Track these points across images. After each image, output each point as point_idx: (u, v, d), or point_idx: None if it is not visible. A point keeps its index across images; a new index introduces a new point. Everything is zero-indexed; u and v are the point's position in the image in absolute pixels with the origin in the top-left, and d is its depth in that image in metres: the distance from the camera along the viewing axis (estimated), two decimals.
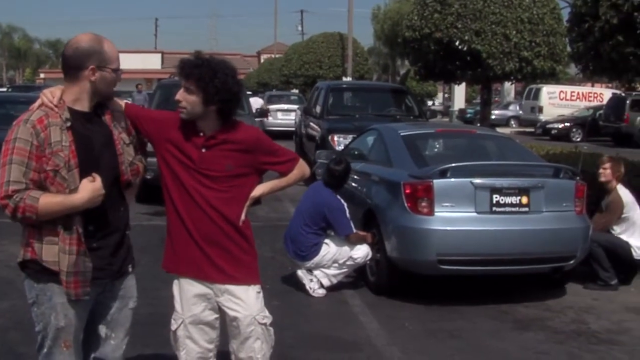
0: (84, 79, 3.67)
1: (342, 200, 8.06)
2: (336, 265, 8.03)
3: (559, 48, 16.76)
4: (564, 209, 7.82)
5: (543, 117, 40.17)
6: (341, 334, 6.88)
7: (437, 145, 9.32)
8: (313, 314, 7.55)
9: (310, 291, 8.03)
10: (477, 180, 7.51)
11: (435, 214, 7.43)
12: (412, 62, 18.77)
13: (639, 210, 8.89)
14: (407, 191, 7.53)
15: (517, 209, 7.59)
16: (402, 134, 8.84)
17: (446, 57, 16.58)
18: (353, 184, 9.04)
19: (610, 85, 52.12)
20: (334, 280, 8.10)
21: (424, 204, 7.44)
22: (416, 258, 7.57)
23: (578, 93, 43.33)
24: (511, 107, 48.09)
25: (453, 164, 7.58)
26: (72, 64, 3.67)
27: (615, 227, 8.77)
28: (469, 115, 49.17)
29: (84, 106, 3.72)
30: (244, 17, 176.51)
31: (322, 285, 8.06)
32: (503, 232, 7.54)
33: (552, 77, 18.12)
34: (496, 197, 7.52)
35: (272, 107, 30.79)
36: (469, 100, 62.59)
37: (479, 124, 20.38)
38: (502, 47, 15.78)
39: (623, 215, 8.75)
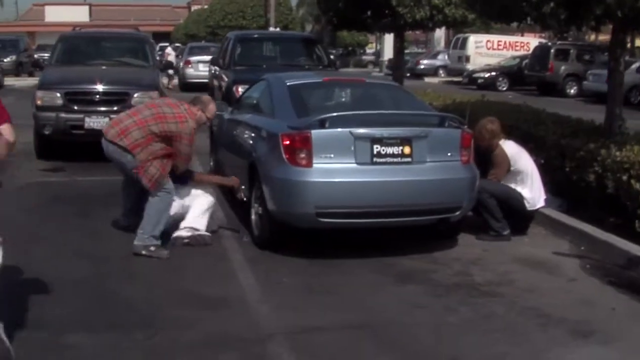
0: None
1: None
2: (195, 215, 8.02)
3: None
4: (449, 159, 7.60)
5: (470, 67, 40.20)
6: (213, 290, 6.63)
7: (324, 95, 8.97)
8: (188, 271, 7.25)
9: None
10: (357, 130, 7.25)
11: (314, 165, 7.16)
12: (322, 10, 18.39)
13: (526, 158, 8.76)
14: (285, 142, 7.24)
15: (399, 159, 7.35)
16: (288, 83, 8.51)
17: (357, 5, 16.20)
18: (241, 136, 8.75)
19: (543, 35, 52.43)
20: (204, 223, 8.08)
21: (302, 155, 7.16)
22: (294, 211, 7.30)
23: (505, 42, 43.42)
24: (440, 57, 48.06)
25: (331, 114, 7.31)
26: None
27: (508, 181, 8.62)
28: None
29: None
30: None
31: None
32: (384, 184, 7.30)
33: (464, 25, 17.90)
34: (377, 148, 7.27)
35: (193, 58, 30.28)
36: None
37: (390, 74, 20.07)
38: None
39: (512, 169, 8.61)
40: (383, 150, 7.28)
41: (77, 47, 15.13)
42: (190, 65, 30.24)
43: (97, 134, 12.46)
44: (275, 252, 7.69)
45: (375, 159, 7.28)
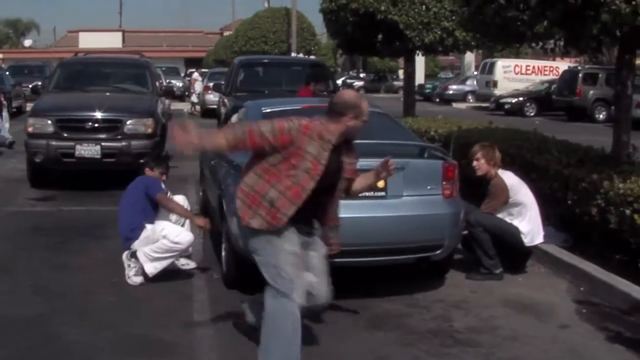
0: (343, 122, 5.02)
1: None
2: (156, 248, 7.41)
3: None
4: (429, 192, 6.99)
5: (498, 92, 39.40)
6: (164, 335, 6.12)
7: None
8: (146, 312, 6.72)
9: (127, 278, 7.44)
10: None
11: None
12: (331, 34, 17.88)
13: (526, 190, 8.13)
14: None
15: (371, 193, 6.74)
16: (264, 110, 7.99)
17: (365, 29, 15.66)
18: (215, 166, 8.25)
19: (578, 59, 51.45)
20: (159, 267, 7.43)
21: None
22: None
23: (533, 67, 42.53)
24: (469, 82, 47.20)
25: None
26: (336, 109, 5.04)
27: (504, 214, 8.00)
28: (427, 91, 48.64)
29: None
30: None
31: (142, 273, 7.44)
32: (354, 220, 6.64)
33: (477, 48, 17.31)
34: None
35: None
36: (432, 75, 62.18)
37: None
38: (420, 18, 14.90)
39: (510, 200, 7.98)
40: None
41: (75, 73, 14.84)
42: (210, 91, 29.87)
43: (89, 162, 12.25)
44: (242, 292, 7.12)
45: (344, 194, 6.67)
